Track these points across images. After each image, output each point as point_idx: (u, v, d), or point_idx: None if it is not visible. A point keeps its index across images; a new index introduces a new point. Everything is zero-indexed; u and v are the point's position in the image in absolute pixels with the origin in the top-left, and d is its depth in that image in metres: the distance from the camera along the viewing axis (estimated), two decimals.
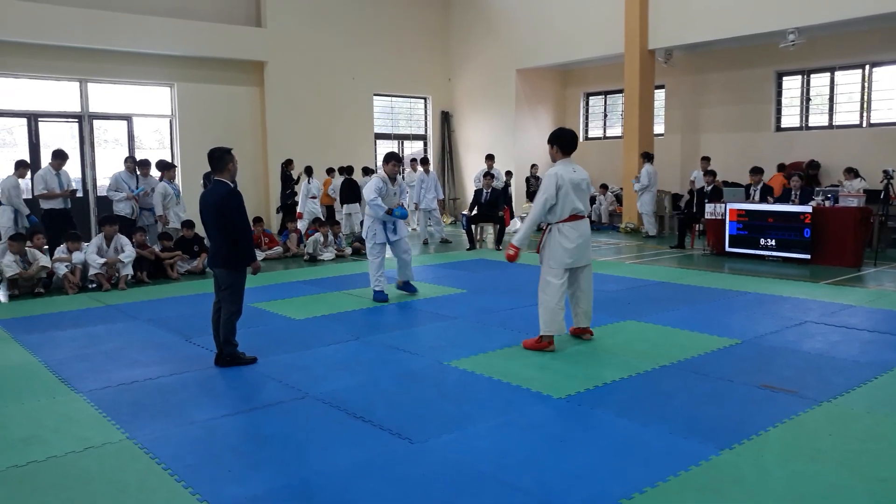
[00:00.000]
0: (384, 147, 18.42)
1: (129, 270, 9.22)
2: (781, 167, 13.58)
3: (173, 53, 14.64)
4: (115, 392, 4.91)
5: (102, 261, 9.04)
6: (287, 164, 14.19)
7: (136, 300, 8.32)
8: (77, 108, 14.04)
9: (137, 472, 3.63)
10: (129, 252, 9.22)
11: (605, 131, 18.19)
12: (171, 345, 6.20)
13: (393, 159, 8.11)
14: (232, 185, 5.48)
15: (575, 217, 5.68)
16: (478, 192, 13.08)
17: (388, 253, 8.34)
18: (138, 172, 10.93)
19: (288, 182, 14.08)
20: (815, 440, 3.86)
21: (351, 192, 14.34)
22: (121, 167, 11.10)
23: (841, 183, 12.28)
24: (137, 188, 10.79)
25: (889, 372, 5.04)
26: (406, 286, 8.36)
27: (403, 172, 13.97)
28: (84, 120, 14.10)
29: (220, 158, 5.49)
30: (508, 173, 16.04)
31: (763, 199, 11.22)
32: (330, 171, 14.95)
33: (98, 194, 14.01)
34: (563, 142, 5.76)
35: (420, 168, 14.42)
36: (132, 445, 3.95)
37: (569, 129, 5.95)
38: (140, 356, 5.77)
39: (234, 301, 5.51)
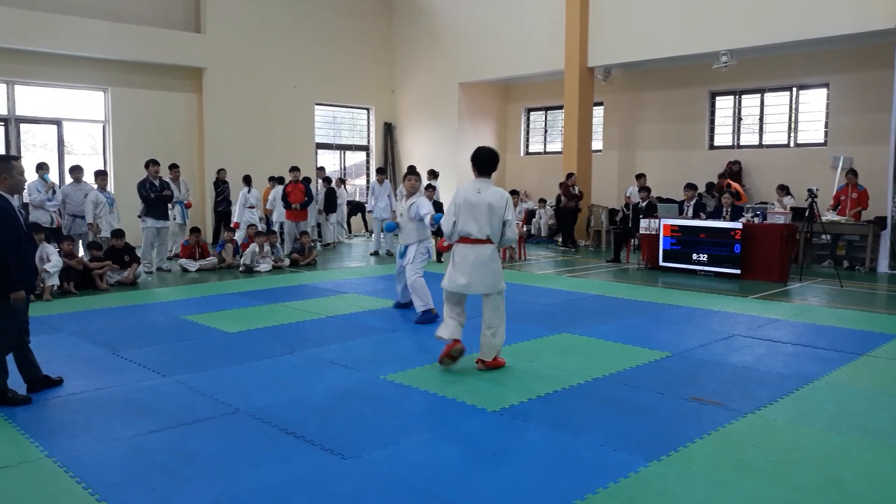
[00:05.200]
0: (325, 157, 18.33)
1: (54, 281, 8.88)
2: (735, 176, 14.07)
3: (108, 57, 14.26)
4: (35, 408, 4.71)
5: None
6: (220, 172, 14.52)
7: (61, 312, 8.02)
8: (3, 111, 13.53)
9: (56, 493, 3.48)
10: (55, 261, 8.88)
11: (545, 146, 18.46)
12: (97, 358, 5.99)
13: (406, 175, 7.96)
14: (11, 197, 4.78)
15: (464, 240, 5.42)
16: None
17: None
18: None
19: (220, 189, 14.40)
20: (739, 451, 3.96)
21: (330, 202, 15.30)
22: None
23: (778, 201, 12.70)
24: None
25: (810, 384, 5.23)
26: (421, 314, 7.56)
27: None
28: (10, 123, 13.59)
29: None
30: (430, 187, 15.29)
31: (696, 215, 11.56)
32: (271, 180, 14.75)
33: (24, 200, 13.47)
34: (475, 161, 5.51)
35: (374, 178, 14.48)
36: (51, 464, 3.79)
37: (487, 147, 5.59)
38: (64, 370, 5.53)
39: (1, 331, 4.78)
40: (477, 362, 5.60)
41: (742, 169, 14.34)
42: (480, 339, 5.54)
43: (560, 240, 15.38)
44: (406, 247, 7.75)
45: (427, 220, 7.64)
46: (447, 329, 5.55)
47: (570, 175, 14.67)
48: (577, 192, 14.57)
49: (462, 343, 5.59)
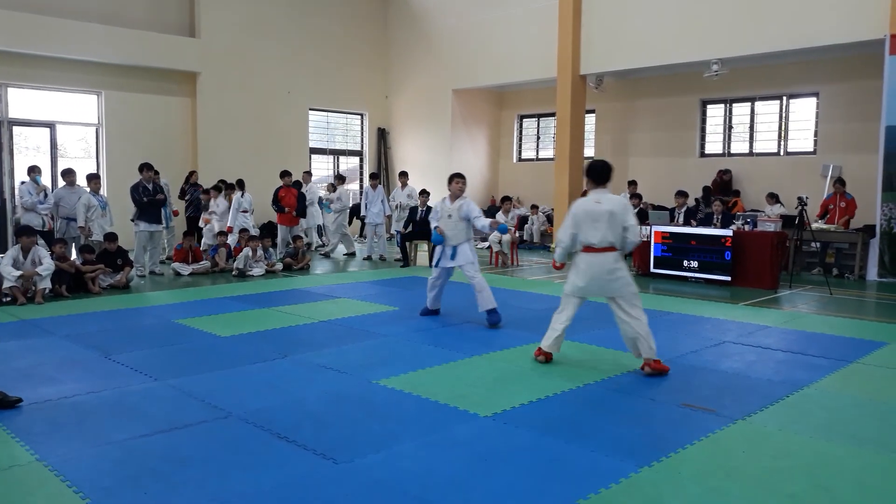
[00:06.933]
0: (319, 162, 18.33)
1: (46, 284, 8.85)
2: (726, 185, 14.17)
3: (102, 61, 14.22)
4: (26, 411, 4.69)
5: (18, 273, 8.65)
6: (191, 175, 14.44)
7: (53, 315, 7.99)
8: None
9: (46, 497, 3.47)
10: (47, 264, 8.86)
11: (537, 153, 18.52)
12: (89, 361, 5.98)
13: (454, 178, 7.79)
14: None
15: (588, 249, 5.70)
16: (413, 210, 13.10)
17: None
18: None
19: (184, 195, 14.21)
20: (730, 458, 3.99)
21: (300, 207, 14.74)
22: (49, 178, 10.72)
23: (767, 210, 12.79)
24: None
25: (800, 391, 5.26)
26: (489, 315, 7.53)
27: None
28: (3, 126, 13.53)
29: None
30: (424, 192, 13.90)
31: (687, 222, 11.62)
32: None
33: (15, 203, 13.43)
34: (591, 172, 5.82)
35: (368, 182, 14.39)
36: (42, 467, 3.78)
37: (601, 160, 5.93)
38: (55, 373, 5.54)
39: None
40: (643, 366, 5.71)
41: (733, 178, 14.42)
42: (628, 343, 5.75)
43: (553, 245, 15.42)
44: (455, 248, 7.65)
45: (482, 224, 7.51)
46: (548, 341, 5.98)
47: None
48: None
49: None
